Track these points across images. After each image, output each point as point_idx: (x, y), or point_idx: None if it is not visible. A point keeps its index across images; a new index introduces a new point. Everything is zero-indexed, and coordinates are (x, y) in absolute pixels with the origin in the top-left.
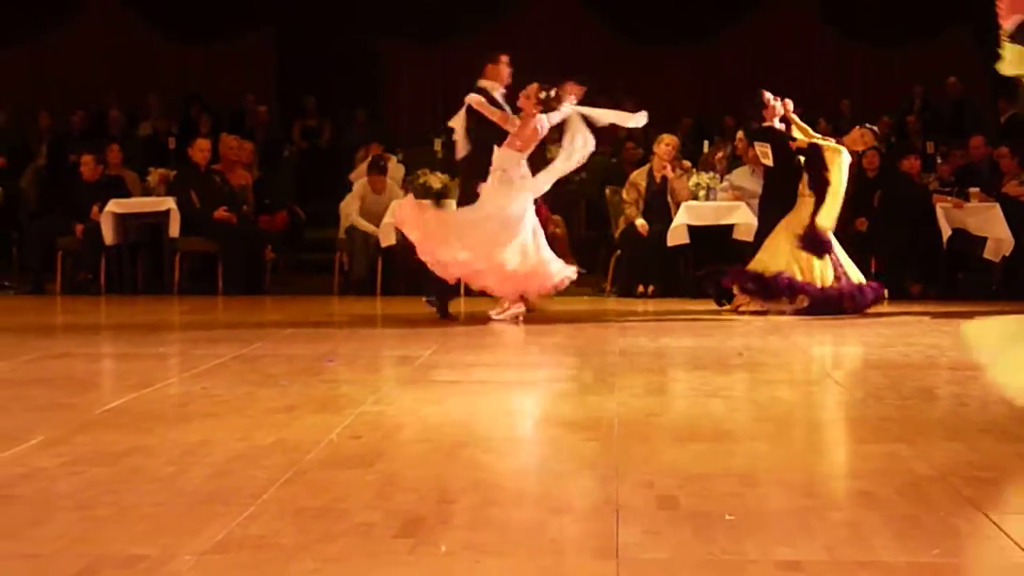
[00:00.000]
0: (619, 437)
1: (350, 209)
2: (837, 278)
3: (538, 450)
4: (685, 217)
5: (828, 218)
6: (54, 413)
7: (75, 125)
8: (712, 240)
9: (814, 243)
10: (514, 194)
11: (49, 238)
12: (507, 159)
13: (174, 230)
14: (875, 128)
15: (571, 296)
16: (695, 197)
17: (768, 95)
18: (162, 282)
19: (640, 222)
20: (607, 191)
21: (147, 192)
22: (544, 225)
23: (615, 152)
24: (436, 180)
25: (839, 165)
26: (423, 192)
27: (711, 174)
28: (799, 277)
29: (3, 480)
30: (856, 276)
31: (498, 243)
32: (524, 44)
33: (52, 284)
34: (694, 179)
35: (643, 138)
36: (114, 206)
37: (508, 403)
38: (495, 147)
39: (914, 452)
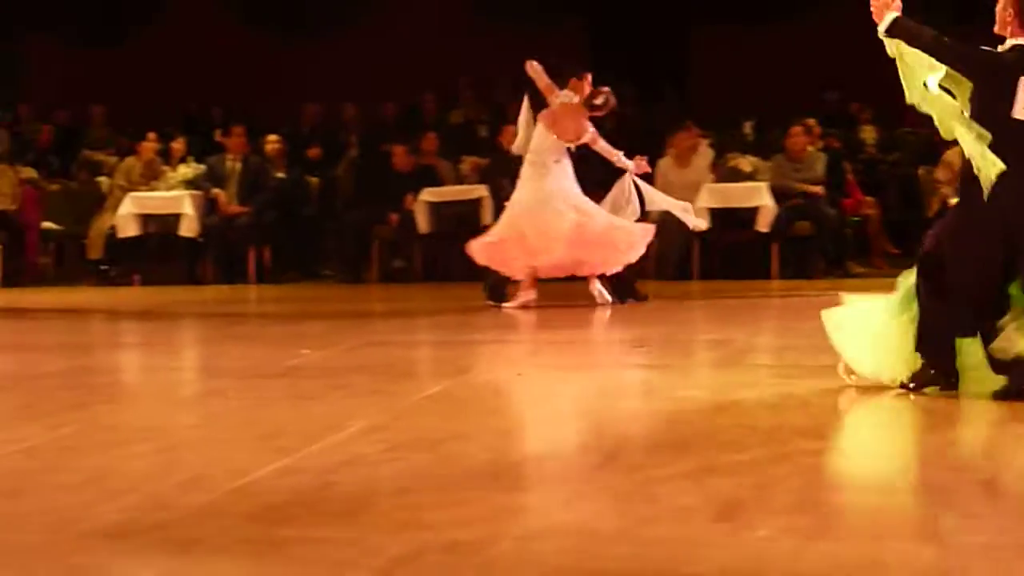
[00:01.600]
0: (937, 420)
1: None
2: None
3: (857, 433)
4: None
5: None
6: (374, 400)
7: (387, 115)
8: None
9: None
10: (547, 180)
11: (364, 227)
12: (543, 142)
13: (487, 217)
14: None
15: (889, 278)
16: None
17: None
18: (476, 269)
19: (954, 202)
20: (921, 171)
21: (460, 180)
22: (857, 208)
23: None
24: (746, 163)
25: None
26: (732, 175)
27: None
28: None
29: (326, 467)
30: None
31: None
32: (838, 31)
33: (368, 272)
34: None
35: None
36: (428, 195)
37: (824, 386)
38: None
39: None
